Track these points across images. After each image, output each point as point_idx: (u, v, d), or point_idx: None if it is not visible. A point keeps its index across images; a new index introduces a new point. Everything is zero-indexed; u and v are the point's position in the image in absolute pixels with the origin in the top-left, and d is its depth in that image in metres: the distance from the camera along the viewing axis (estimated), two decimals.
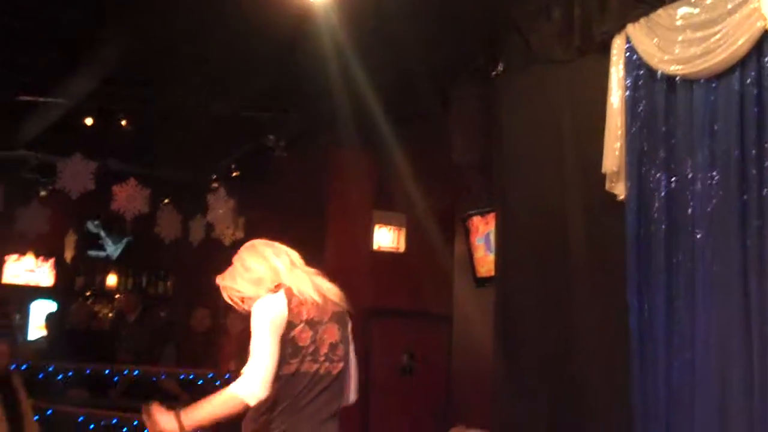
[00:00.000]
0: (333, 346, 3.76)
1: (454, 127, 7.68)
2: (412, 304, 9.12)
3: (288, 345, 3.61)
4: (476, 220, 7.80)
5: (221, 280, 3.87)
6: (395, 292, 9.12)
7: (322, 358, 3.71)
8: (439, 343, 9.12)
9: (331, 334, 3.76)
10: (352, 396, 3.97)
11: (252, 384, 3.54)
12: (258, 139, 9.37)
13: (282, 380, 3.59)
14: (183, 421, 3.60)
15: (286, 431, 3.60)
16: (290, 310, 3.65)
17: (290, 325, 3.63)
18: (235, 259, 3.89)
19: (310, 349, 3.69)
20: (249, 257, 3.87)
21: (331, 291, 3.86)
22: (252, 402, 3.54)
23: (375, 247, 9.30)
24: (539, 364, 5.78)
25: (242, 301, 3.81)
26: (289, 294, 3.70)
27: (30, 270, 12.42)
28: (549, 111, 5.84)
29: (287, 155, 9.27)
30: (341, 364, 3.78)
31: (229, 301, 3.84)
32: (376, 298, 9.09)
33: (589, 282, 5.39)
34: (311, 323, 3.70)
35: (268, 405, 3.58)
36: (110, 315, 11.94)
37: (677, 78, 4.82)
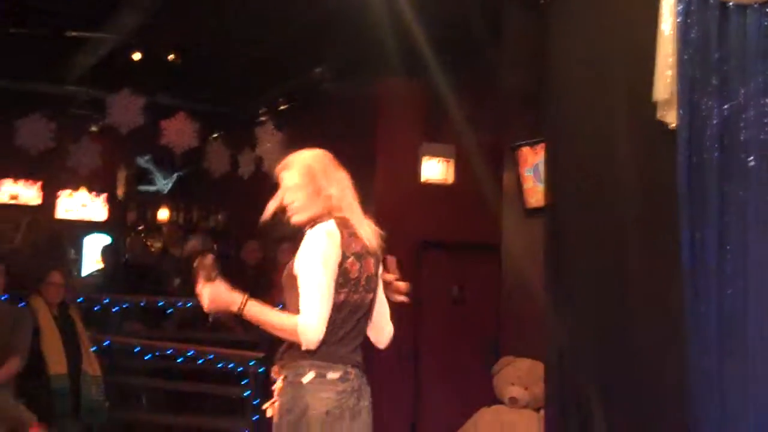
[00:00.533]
0: (369, 278, 3.78)
1: (503, 56, 7.60)
2: (461, 235, 9.13)
3: (340, 275, 3.63)
4: (525, 151, 7.74)
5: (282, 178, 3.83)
6: (444, 224, 9.14)
7: (362, 289, 3.74)
8: (488, 275, 9.14)
9: (369, 267, 3.78)
10: (389, 328, 3.97)
11: (314, 327, 3.52)
12: (306, 71, 9.34)
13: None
14: (247, 307, 3.57)
15: (321, 358, 3.62)
16: (343, 241, 3.66)
17: (343, 257, 3.64)
18: (302, 165, 3.86)
19: (357, 281, 3.72)
20: (318, 168, 3.87)
21: (371, 225, 3.87)
22: (305, 343, 3.53)
23: (423, 179, 9.28)
24: (590, 293, 5.77)
25: (289, 214, 3.80)
26: (343, 224, 3.70)
27: (83, 205, 12.59)
28: (599, 38, 5.75)
29: (335, 87, 9.23)
30: (371, 295, 3.82)
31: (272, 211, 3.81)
32: (425, 231, 9.12)
33: (640, 211, 5.35)
34: (358, 255, 3.72)
35: None
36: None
37: (730, 3, 4.72)
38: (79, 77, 10.31)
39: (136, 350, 7.77)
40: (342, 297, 3.65)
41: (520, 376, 7.00)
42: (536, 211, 7.48)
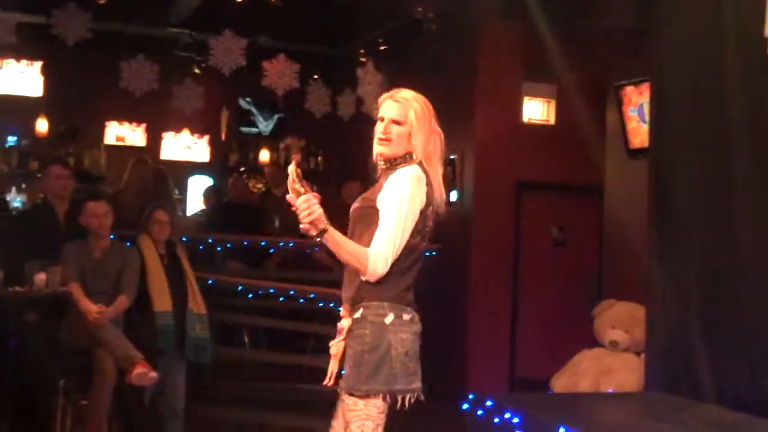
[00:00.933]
0: (431, 229, 3.82)
1: None
2: (562, 176, 9.02)
3: (420, 222, 3.66)
4: (629, 90, 7.61)
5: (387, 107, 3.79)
6: (545, 164, 9.04)
7: (428, 240, 3.82)
8: (590, 216, 9.04)
9: (431, 219, 3.79)
10: None
11: (384, 260, 3.56)
12: (406, 12, 9.28)
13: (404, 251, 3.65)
14: (330, 232, 3.53)
15: (396, 300, 3.68)
16: (429, 190, 3.68)
17: (426, 205, 3.67)
18: (419, 105, 3.81)
19: (430, 230, 3.80)
20: (430, 114, 3.83)
21: (442, 187, 3.85)
22: (370, 274, 3.57)
23: (525, 119, 9.19)
24: (695, 236, 5.67)
25: (381, 144, 3.77)
26: (428, 174, 3.70)
27: (186, 146, 12.78)
28: None
29: (436, 27, 9.15)
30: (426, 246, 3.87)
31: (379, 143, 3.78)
32: (526, 171, 9.04)
33: (749, 151, 5.21)
34: (433, 206, 3.74)
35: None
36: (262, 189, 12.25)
37: None
38: (183, 19, 10.43)
39: (238, 288, 7.90)
40: (416, 242, 3.70)
41: (621, 320, 6.93)
42: (640, 151, 7.36)
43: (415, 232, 3.67)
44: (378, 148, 3.76)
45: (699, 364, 5.54)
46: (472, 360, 8.91)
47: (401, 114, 3.74)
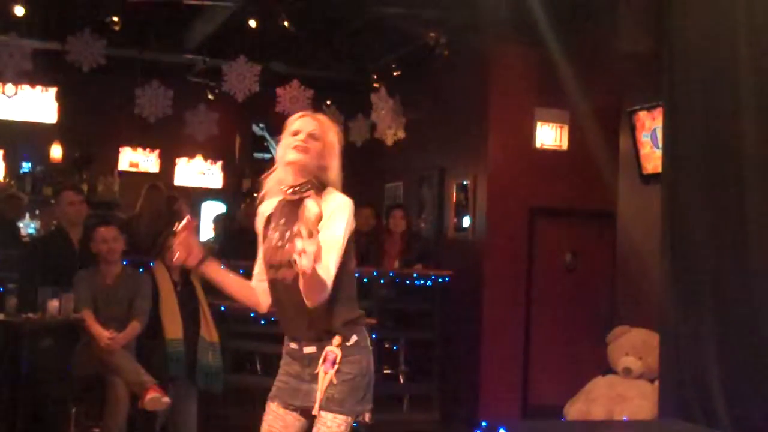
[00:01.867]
0: None
1: (619, 19, 7.44)
2: (575, 202, 9.02)
3: (350, 245, 3.62)
4: (642, 115, 7.58)
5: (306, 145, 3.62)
6: (558, 190, 9.04)
7: None
8: (603, 242, 9.01)
9: None
10: None
11: (330, 280, 3.48)
12: (419, 38, 9.30)
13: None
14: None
15: (362, 323, 3.72)
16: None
17: (352, 232, 3.64)
18: (336, 134, 3.71)
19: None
20: (338, 138, 3.73)
21: None
22: (321, 298, 3.48)
23: (538, 145, 9.21)
24: (708, 263, 5.63)
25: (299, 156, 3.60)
26: None
27: (201, 172, 12.83)
28: (721, 1, 5.59)
29: (448, 53, 9.18)
30: None
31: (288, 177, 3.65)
32: (539, 197, 9.04)
33: (763, 176, 5.18)
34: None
35: None
36: None
37: None
38: (196, 45, 10.48)
39: (251, 315, 7.88)
40: (352, 266, 3.69)
41: (634, 346, 6.88)
42: (653, 177, 7.33)
43: (349, 255, 3.62)
44: (293, 155, 3.58)
45: (713, 391, 5.50)
46: (484, 386, 8.87)
47: (319, 131, 3.63)
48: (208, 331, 6.81)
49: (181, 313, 6.74)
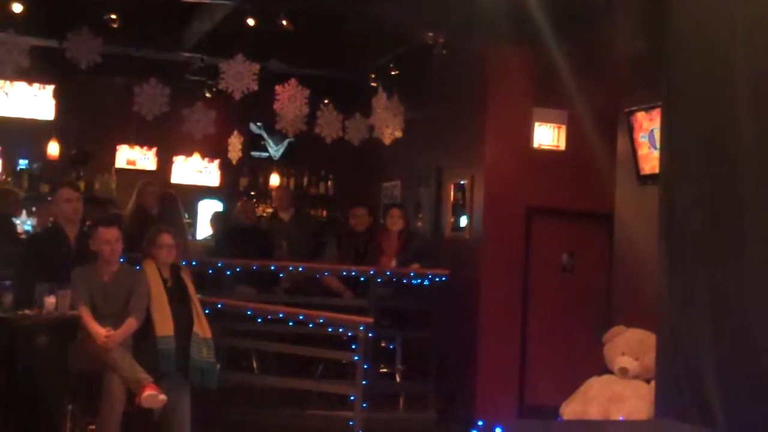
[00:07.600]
0: None
1: (617, 20, 7.44)
2: (572, 202, 9.03)
3: None
4: (640, 116, 7.58)
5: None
6: (556, 190, 9.05)
7: None
8: (600, 242, 9.01)
9: None
10: None
11: None
12: (417, 38, 9.30)
13: None
14: None
15: None
16: None
17: None
18: None
19: None
20: None
21: None
22: None
23: (535, 145, 9.21)
24: (706, 264, 5.63)
25: None
26: None
27: (197, 171, 12.82)
28: (720, 1, 5.58)
29: (446, 53, 9.18)
30: None
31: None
32: (537, 197, 9.05)
33: (762, 178, 5.18)
34: None
35: None
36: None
37: None
38: (194, 44, 10.48)
39: (248, 313, 7.89)
40: None
41: (631, 347, 6.88)
42: (651, 178, 7.33)
43: None
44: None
45: (710, 392, 5.49)
46: (481, 385, 8.88)
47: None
48: (201, 328, 6.79)
49: (172, 309, 6.73)
